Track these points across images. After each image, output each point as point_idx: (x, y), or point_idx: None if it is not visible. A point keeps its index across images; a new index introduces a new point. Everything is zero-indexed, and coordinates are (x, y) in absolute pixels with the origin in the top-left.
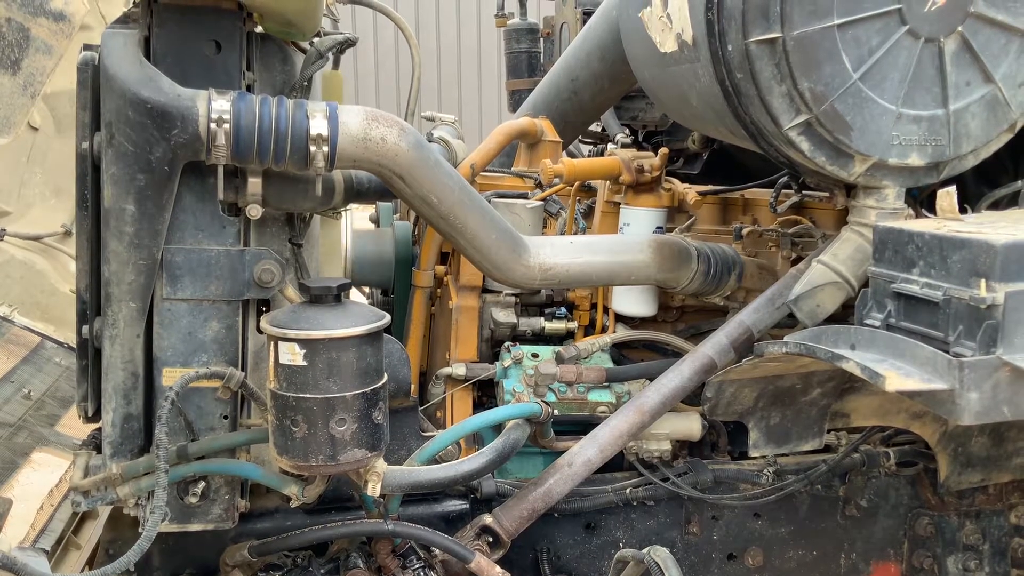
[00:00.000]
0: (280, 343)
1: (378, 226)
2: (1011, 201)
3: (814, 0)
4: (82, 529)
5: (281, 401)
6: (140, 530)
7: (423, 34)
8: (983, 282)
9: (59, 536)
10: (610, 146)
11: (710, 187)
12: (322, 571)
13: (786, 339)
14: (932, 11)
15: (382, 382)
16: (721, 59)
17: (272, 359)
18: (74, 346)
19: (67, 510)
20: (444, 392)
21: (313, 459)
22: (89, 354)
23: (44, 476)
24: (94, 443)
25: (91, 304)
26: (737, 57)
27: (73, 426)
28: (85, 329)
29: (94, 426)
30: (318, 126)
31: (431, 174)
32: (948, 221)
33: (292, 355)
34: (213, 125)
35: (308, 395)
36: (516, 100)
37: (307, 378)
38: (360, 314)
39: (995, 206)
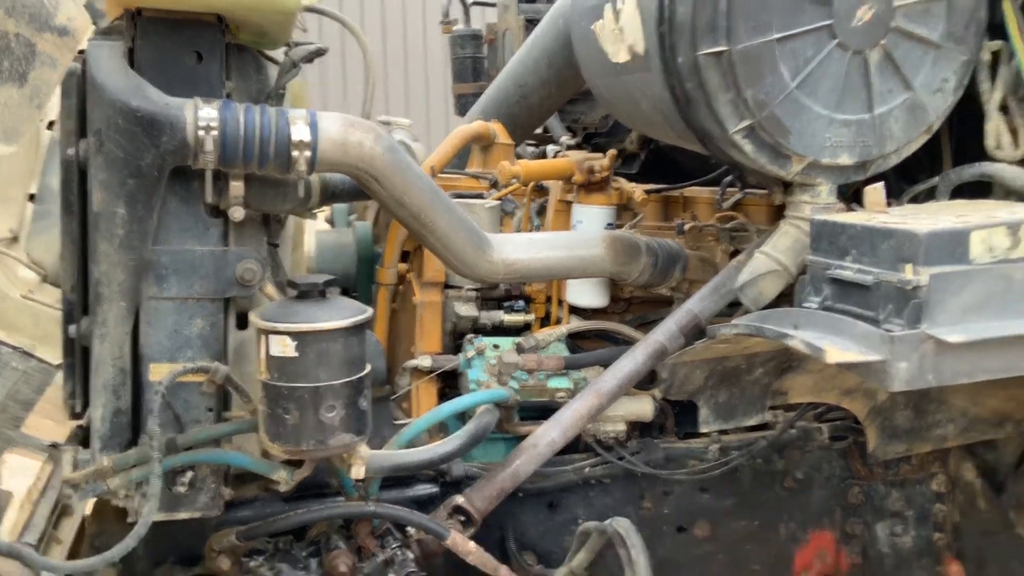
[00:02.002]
0: (271, 336)
1: (333, 226)
2: (929, 195)
3: (756, 17)
4: (59, 526)
5: (273, 391)
6: (130, 520)
7: (369, 39)
8: (909, 266)
9: (41, 533)
10: (551, 147)
11: (654, 186)
12: (304, 553)
13: (735, 322)
14: (858, 26)
15: (366, 371)
16: (672, 70)
17: (263, 352)
18: (28, 350)
19: (46, 507)
20: (410, 383)
21: (304, 444)
22: (76, 353)
23: (18, 477)
24: (78, 439)
25: (78, 305)
26: (687, 68)
27: (40, 427)
28: (72, 329)
29: (67, 425)
30: (300, 132)
31: (404, 176)
32: (876, 214)
33: (283, 347)
34: (201, 132)
35: (300, 384)
36: (463, 104)
37: (298, 368)
38: (345, 308)
39: (915, 200)
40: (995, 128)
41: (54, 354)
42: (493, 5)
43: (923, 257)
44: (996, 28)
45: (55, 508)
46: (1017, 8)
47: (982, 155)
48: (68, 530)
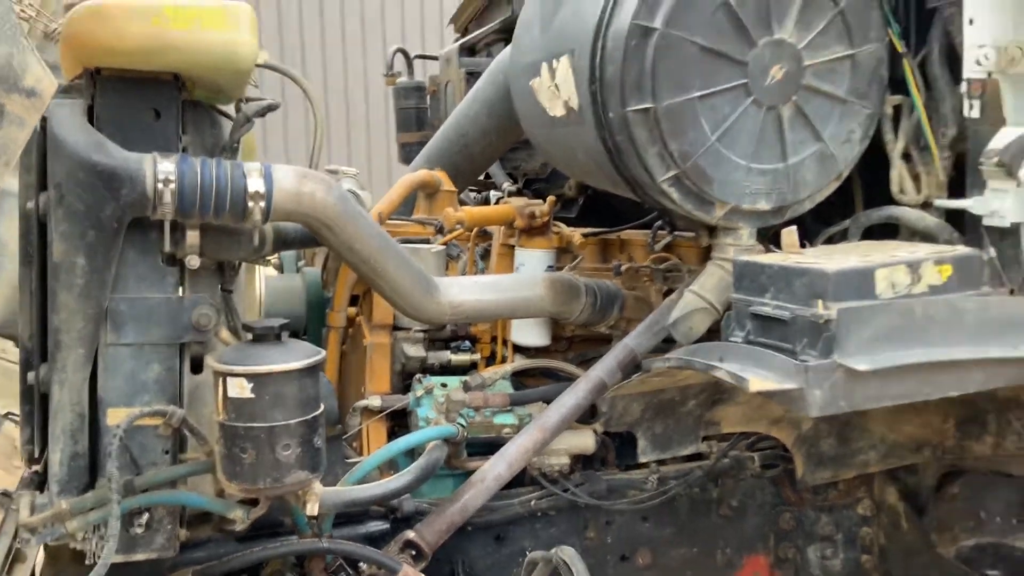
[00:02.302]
0: (228, 378)
1: (282, 272)
2: (842, 236)
3: (678, 77)
4: (12, 572)
5: (231, 431)
6: (88, 562)
7: (312, 90)
8: (820, 302)
9: None
10: (493, 193)
11: (592, 229)
12: None
13: (667, 356)
14: (772, 84)
15: (320, 410)
16: (604, 124)
17: (220, 394)
18: None
19: None
20: (360, 423)
21: (261, 482)
22: (35, 399)
23: None
24: (34, 484)
25: (36, 352)
26: (617, 122)
27: None
28: (31, 376)
29: (15, 474)
30: (255, 184)
31: (354, 224)
32: (791, 254)
33: (240, 389)
34: (160, 185)
35: (256, 424)
36: (407, 152)
37: (255, 409)
38: (300, 350)
39: (830, 240)
40: (898, 175)
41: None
42: (435, 59)
43: (832, 293)
44: (897, 83)
45: (8, 554)
46: (915, 66)
47: (889, 199)
48: None
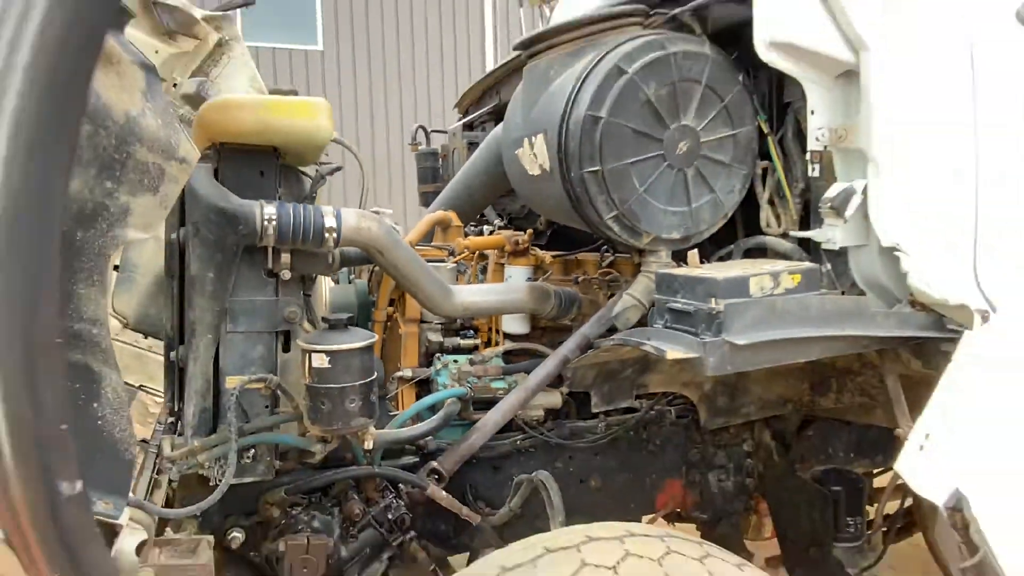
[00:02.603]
0: (313, 354)
1: (338, 283)
2: (728, 256)
3: (617, 149)
4: (152, 497)
5: (314, 390)
6: (212, 484)
7: (362, 155)
8: (713, 300)
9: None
10: (487, 227)
11: (557, 252)
12: (329, 504)
13: (612, 338)
14: (679, 154)
15: (374, 376)
16: (567, 181)
17: (307, 365)
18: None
19: (143, 484)
20: (397, 388)
21: (334, 425)
22: (175, 371)
23: None
24: (172, 431)
25: (176, 338)
26: (576, 180)
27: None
28: (172, 354)
29: (148, 428)
30: (329, 221)
31: (396, 248)
32: (694, 268)
33: (321, 361)
34: (265, 222)
35: (332, 385)
36: (426, 199)
37: (330, 375)
38: (360, 335)
39: (720, 259)
40: (766, 215)
41: (134, 378)
42: (445, 132)
43: (721, 294)
44: (764, 153)
45: (149, 484)
46: (776, 142)
47: (759, 231)
48: (159, 499)
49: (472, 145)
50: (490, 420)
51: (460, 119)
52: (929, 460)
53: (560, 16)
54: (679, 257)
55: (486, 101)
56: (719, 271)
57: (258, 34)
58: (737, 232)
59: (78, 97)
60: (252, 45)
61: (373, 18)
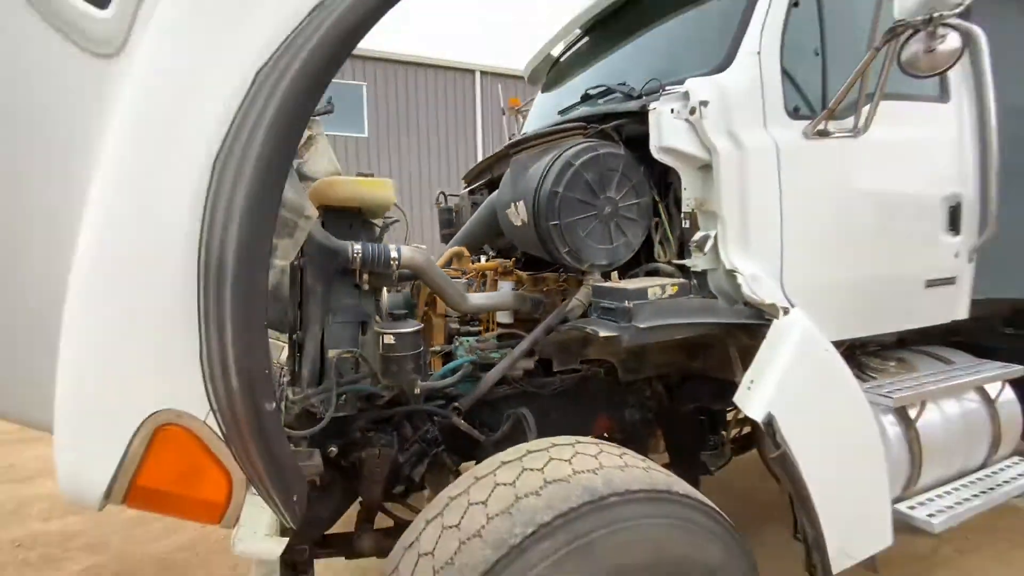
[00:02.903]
0: (384, 335)
1: (390, 292)
2: (635, 275)
3: (569, 210)
4: None
5: (384, 358)
6: (319, 417)
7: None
8: (627, 301)
9: None
10: (483, 256)
11: (531, 272)
12: (390, 428)
13: (566, 325)
14: (606, 213)
15: (422, 348)
16: (539, 228)
17: (381, 342)
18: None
19: None
20: (431, 358)
21: (397, 380)
22: (295, 346)
23: None
24: (291, 384)
25: (296, 326)
26: (544, 229)
27: None
28: (295, 336)
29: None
30: (393, 254)
31: (432, 270)
32: (615, 283)
33: (390, 339)
34: (353, 255)
35: (397, 354)
36: (445, 239)
37: (396, 348)
38: (412, 324)
39: (631, 277)
40: (657, 250)
41: None
42: (457, 196)
43: (631, 298)
44: (657, 212)
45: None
46: (663, 207)
47: (652, 259)
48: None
49: (475, 204)
50: (490, 377)
51: (466, 187)
52: (753, 395)
53: (531, 123)
54: (606, 276)
55: (483, 176)
56: (630, 284)
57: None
58: (640, 260)
59: (283, 175)
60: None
61: (402, 114)
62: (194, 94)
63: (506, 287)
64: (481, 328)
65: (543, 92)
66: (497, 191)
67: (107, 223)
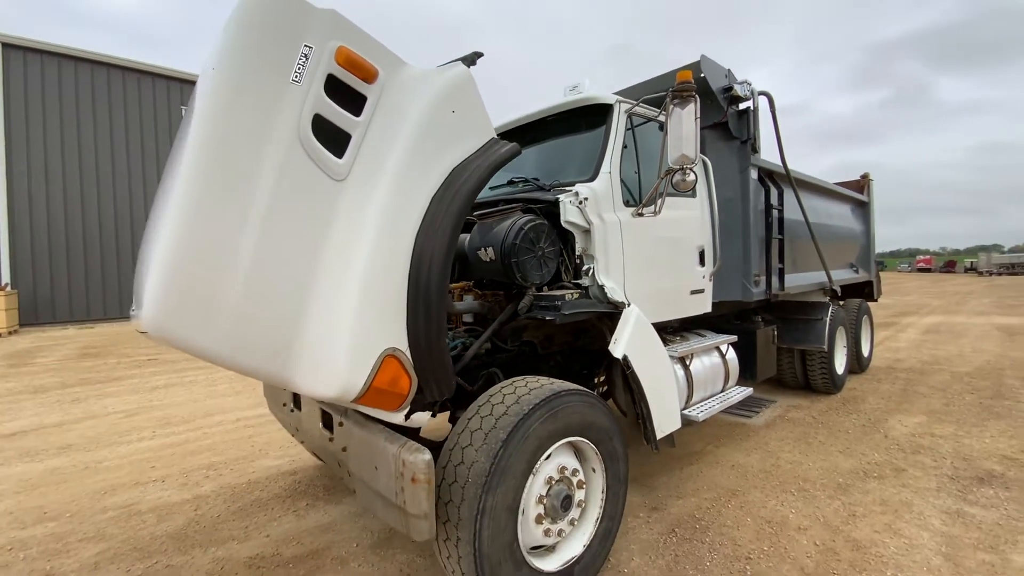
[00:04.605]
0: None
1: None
2: (552, 289)
3: (520, 253)
4: None
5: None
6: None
7: None
8: (557, 301)
9: None
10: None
11: (482, 291)
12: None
13: (521, 316)
14: (540, 255)
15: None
16: (505, 263)
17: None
18: None
19: None
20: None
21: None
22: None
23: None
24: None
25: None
26: (508, 263)
27: None
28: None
29: None
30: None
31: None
32: (547, 292)
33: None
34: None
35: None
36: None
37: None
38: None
39: (551, 290)
40: (563, 275)
41: None
42: None
43: (559, 299)
44: (563, 254)
45: None
46: (566, 252)
47: (561, 280)
48: None
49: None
50: (469, 352)
51: None
52: (617, 346)
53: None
54: (539, 289)
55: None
56: (556, 292)
57: None
58: (555, 280)
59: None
60: None
61: None
62: (412, 196)
63: (469, 299)
64: (454, 324)
65: None
66: (468, 239)
67: (370, 262)
